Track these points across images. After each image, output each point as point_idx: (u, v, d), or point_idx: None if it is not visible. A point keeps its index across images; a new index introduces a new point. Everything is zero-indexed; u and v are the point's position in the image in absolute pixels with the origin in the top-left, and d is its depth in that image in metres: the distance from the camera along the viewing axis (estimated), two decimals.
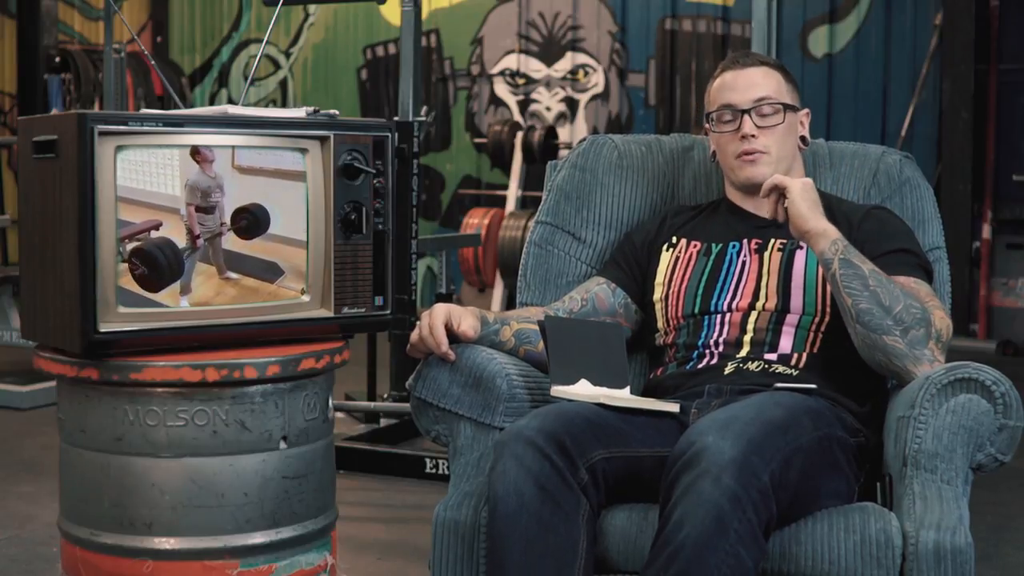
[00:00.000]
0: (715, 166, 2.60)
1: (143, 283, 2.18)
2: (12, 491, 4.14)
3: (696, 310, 2.42)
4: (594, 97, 8.69)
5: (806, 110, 2.53)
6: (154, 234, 2.18)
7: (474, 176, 8.96)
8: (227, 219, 2.24)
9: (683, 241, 2.52)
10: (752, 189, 2.46)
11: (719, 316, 2.40)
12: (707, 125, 2.52)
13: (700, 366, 2.36)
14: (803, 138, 2.52)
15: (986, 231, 7.50)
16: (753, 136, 2.42)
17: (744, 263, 2.43)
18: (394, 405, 4.85)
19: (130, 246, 2.16)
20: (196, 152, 2.20)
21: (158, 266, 2.19)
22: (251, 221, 2.27)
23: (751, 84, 2.45)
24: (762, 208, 2.36)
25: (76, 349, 2.17)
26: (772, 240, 2.44)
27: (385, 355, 4.97)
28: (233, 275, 2.27)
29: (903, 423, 2.10)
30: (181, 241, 2.20)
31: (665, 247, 2.53)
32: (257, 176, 2.28)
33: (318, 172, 2.33)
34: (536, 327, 2.40)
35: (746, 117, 2.43)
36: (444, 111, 9.02)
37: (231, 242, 2.26)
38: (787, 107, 2.45)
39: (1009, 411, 2.06)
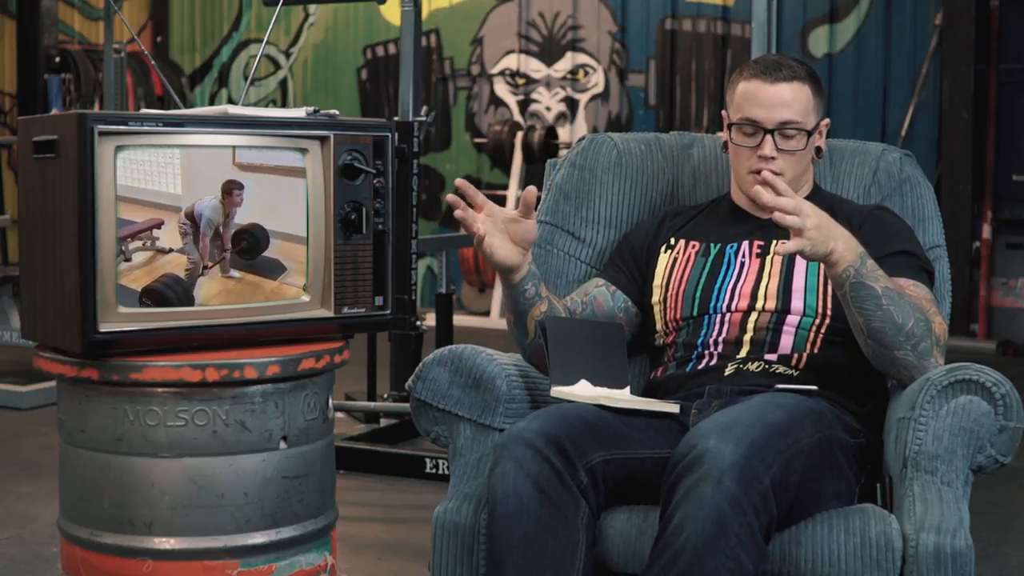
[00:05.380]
0: (723, 156, 2.58)
1: None
2: (12, 491, 4.14)
3: (695, 312, 2.41)
4: (594, 97, 8.69)
5: (826, 121, 2.48)
6: (158, 261, 2.18)
7: (474, 176, 8.96)
8: (228, 244, 2.25)
9: (681, 242, 2.51)
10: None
11: (718, 316, 2.39)
12: (725, 130, 2.47)
13: (700, 367, 2.36)
14: (818, 149, 2.49)
15: (986, 231, 7.50)
16: (772, 158, 2.40)
17: (743, 264, 2.43)
18: (394, 405, 4.85)
19: (135, 251, 2.16)
20: (229, 192, 2.21)
21: (169, 304, 2.21)
22: (251, 242, 2.28)
23: (780, 103, 2.38)
24: (765, 211, 2.36)
25: (76, 349, 2.17)
26: (774, 242, 2.43)
27: (385, 355, 4.97)
28: (236, 273, 2.27)
29: (903, 425, 2.10)
30: (177, 243, 2.20)
31: (663, 249, 2.52)
32: (257, 173, 2.28)
33: (318, 172, 2.33)
34: (559, 308, 2.39)
35: (768, 138, 2.38)
36: (444, 111, 9.01)
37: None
38: (810, 133, 2.40)
39: (1009, 412, 2.06)
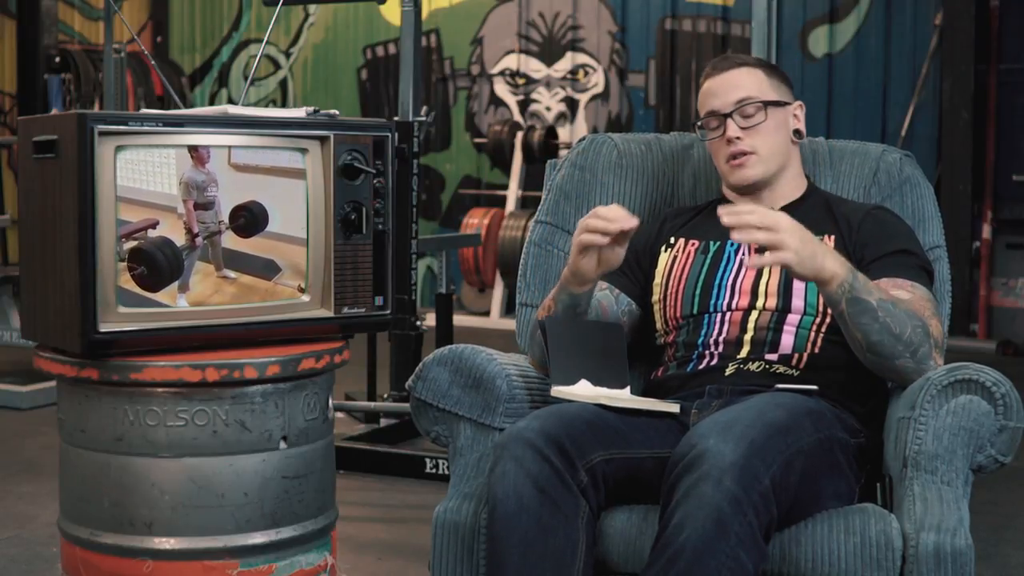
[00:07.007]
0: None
1: (142, 283, 2.18)
2: (12, 491, 4.14)
3: (695, 310, 2.41)
4: (594, 97, 8.68)
5: (798, 103, 2.51)
6: (152, 233, 2.18)
7: (474, 176, 8.96)
8: (225, 217, 2.24)
9: (681, 241, 2.52)
10: (748, 190, 2.46)
11: (719, 315, 2.39)
12: (699, 134, 2.52)
13: (700, 367, 2.36)
14: (797, 131, 2.50)
15: (986, 231, 7.50)
16: (738, 138, 2.42)
17: (742, 261, 2.43)
18: (394, 405, 4.85)
19: (128, 246, 2.16)
20: (194, 149, 2.21)
21: (158, 266, 2.19)
22: (249, 219, 2.27)
23: (732, 86, 2.44)
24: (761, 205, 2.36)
25: (76, 349, 2.17)
26: None
27: (385, 355, 4.97)
28: (231, 273, 2.27)
29: (903, 424, 2.10)
30: (180, 240, 2.21)
31: (663, 248, 2.52)
32: (255, 174, 2.28)
33: (318, 172, 2.33)
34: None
35: (729, 121, 2.43)
36: (444, 111, 9.01)
37: (229, 240, 2.26)
38: (769, 104, 2.43)
39: (1009, 412, 2.06)
